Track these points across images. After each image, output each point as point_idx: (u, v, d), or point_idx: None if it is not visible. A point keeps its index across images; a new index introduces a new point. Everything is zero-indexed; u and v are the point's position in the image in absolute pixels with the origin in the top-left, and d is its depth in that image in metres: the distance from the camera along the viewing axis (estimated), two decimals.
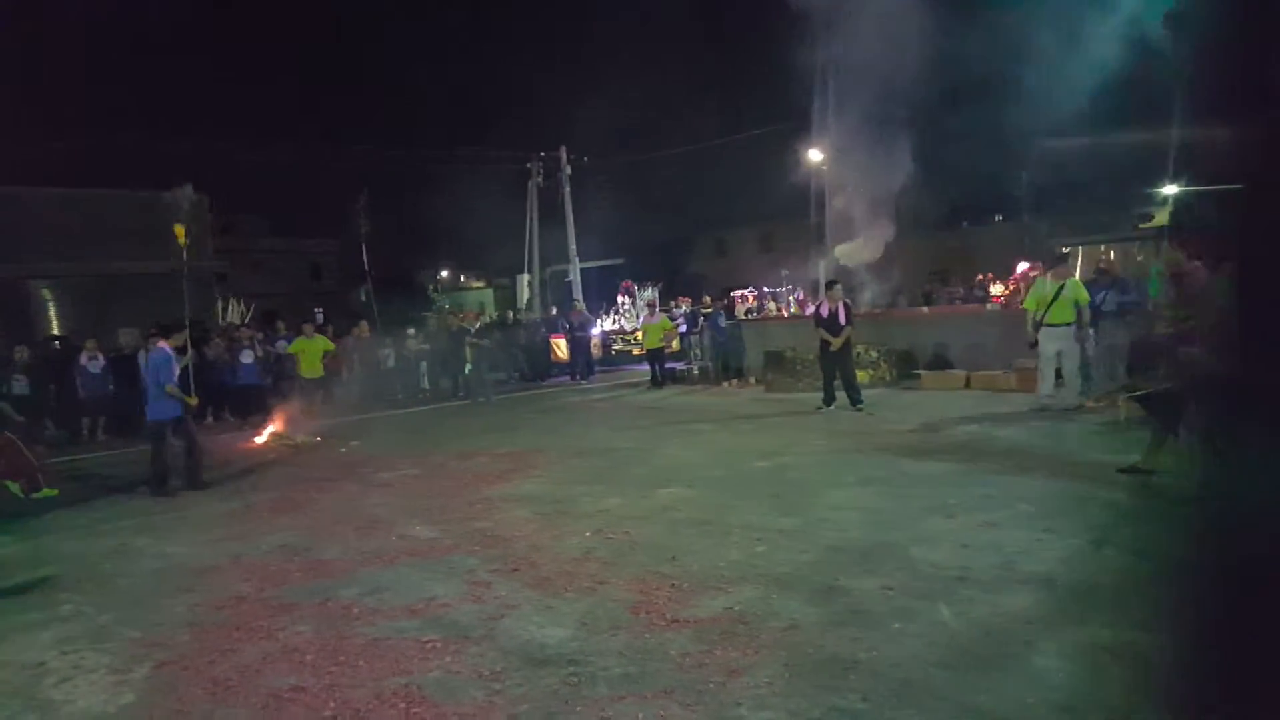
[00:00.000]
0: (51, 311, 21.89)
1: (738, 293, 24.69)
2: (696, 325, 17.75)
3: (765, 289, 24.87)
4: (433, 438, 11.43)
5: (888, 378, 13.98)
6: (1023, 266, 22.81)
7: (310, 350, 13.67)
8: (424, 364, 17.57)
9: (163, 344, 9.00)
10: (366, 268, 21.35)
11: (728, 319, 16.25)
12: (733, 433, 10.41)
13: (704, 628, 4.23)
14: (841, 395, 11.35)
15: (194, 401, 9.36)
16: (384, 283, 31.95)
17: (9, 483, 9.20)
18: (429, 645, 4.26)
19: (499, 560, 5.62)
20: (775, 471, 7.87)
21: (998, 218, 38.76)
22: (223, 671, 4.13)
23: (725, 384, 15.64)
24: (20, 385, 12.56)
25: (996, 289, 20.58)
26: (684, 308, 20.08)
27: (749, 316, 20.76)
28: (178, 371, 8.92)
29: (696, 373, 16.88)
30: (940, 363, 13.86)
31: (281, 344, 14.61)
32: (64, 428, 13.47)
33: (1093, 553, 5.05)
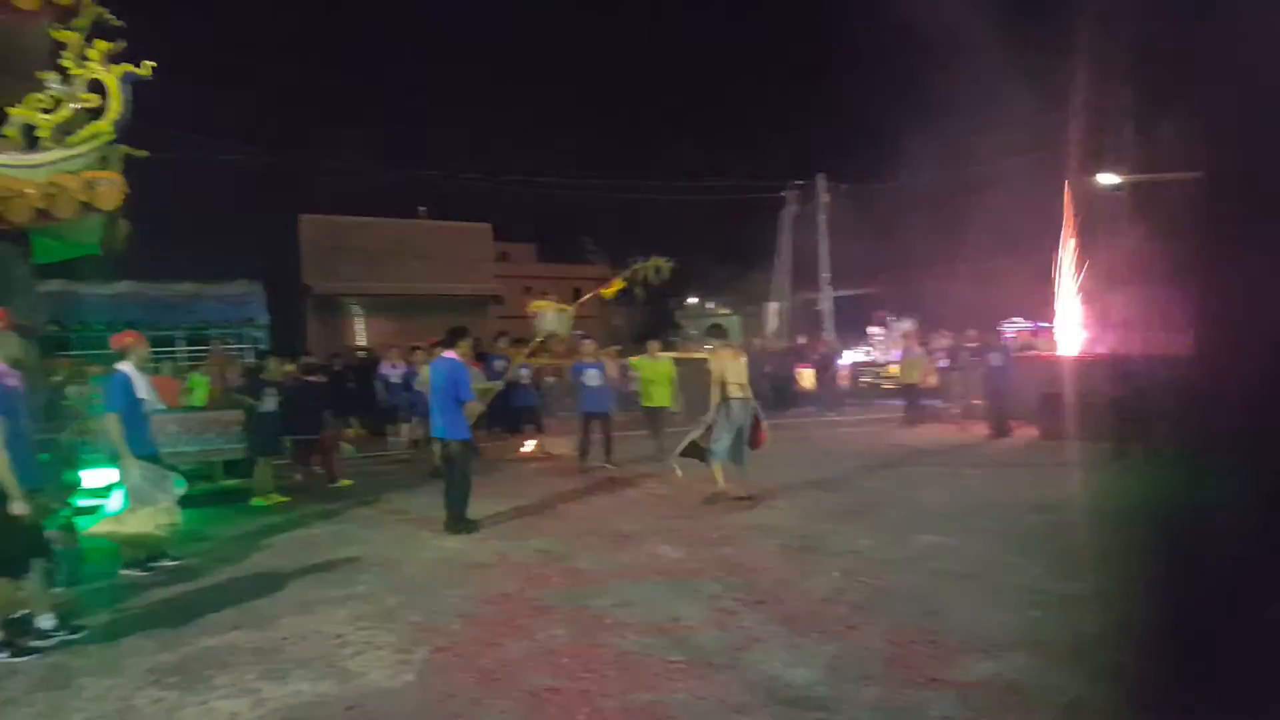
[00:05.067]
0: (360, 324, 25.10)
1: (1006, 327, 22.87)
2: (958, 360, 16.73)
3: (1038, 324, 22.93)
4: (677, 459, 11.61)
5: None
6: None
7: (657, 374, 11.74)
8: None
9: (449, 353, 8.00)
10: (608, 300, 22.14)
11: (1004, 355, 14.53)
12: (1002, 480, 9.64)
13: (968, 692, 3.95)
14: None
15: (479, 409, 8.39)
16: (634, 308, 33.27)
17: (318, 469, 10.79)
18: (675, 666, 4.34)
19: (743, 590, 5.62)
20: (1056, 528, 7.05)
21: None
22: (489, 664, 4.47)
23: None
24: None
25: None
26: (945, 341, 19.03)
27: (1020, 353, 19.25)
28: (471, 386, 8.03)
29: (958, 412, 15.88)
30: None
31: (524, 371, 12.53)
32: (366, 427, 15.26)
33: None
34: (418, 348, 12.73)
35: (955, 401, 16.42)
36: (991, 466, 10.63)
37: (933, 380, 17.41)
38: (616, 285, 10.81)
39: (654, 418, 11.97)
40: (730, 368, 8.63)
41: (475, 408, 8.04)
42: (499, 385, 10.58)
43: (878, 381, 21.24)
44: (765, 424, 8.96)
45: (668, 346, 18.08)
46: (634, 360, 12.14)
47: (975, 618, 4.96)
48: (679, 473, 8.97)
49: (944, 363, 17.87)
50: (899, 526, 7.34)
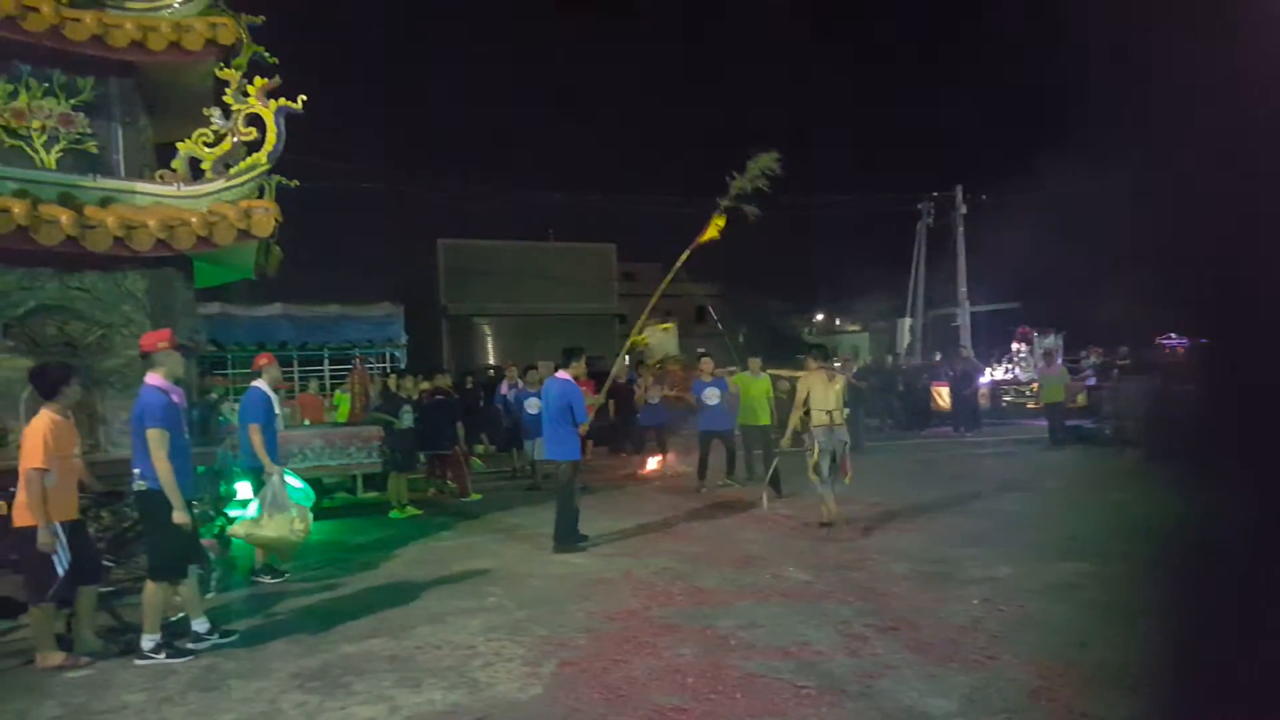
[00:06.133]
0: (489, 344, 25.95)
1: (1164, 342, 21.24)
2: (1108, 378, 15.70)
3: (1196, 340, 21.18)
4: (804, 480, 11.31)
5: None
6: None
7: (754, 391, 11.26)
8: None
9: (563, 374, 8.00)
10: (718, 326, 21.58)
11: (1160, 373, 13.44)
12: (1157, 505, 8.90)
13: None
14: None
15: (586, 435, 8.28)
16: (760, 325, 32.94)
17: (449, 483, 11.15)
18: (804, 691, 4.20)
19: (874, 615, 5.41)
20: (1217, 557, 6.54)
21: None
22: (614, 680, 4.46)
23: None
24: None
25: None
26: (1093, 358, 17.88)
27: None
28: (585, 405, 8.04)
29: (1109, 433, 14.83)
30: None
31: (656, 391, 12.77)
32: (495, 443, 15.68)
33: None
34: (532, 367, 12.34)
35: (1106, 422, 15.36)
36: (1145, 491, 9.86)
37: (1081, 399, 16.43)
38: (717, 223, 9.61)
39: (750, 436, 11.53)
40: (818, 393, 8.35)
41: (584, 427, 8.04)
42: (600, 400, 10.55)
43: (1021, 400, 20.10)
44: (850, 460, 8.54)
45: (797, 365, 17.47)
46: (735, 376, 11.76)
47: (1129, 650, 4.59)
48: (765, 506, 9.31)
49: (1091, 380, 16.84)
50: (1042, 552, 6.93)
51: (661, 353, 12.20)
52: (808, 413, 8.50)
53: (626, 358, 12.14)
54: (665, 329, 11.92)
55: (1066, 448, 14.32)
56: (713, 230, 9.53)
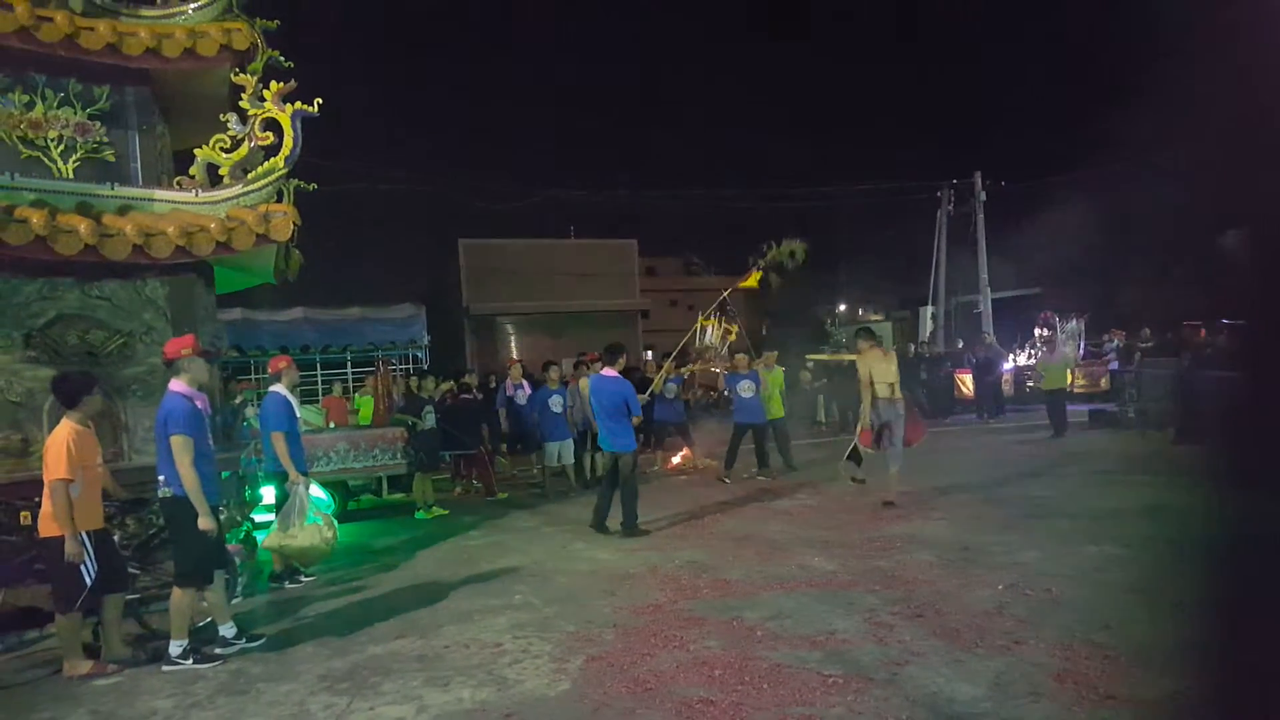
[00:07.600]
0: (513, 342, 26.01)
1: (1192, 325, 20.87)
2: (1131, 361, 15.48)
3: (1222, 322, 20.76)
4: (828, 470, 11.28)
5: None
6: None
7: (770, 383, 11.62)
8: (820, 397, 17.59)
9: (609, 371, 8.36)
10: (733, 317, 21.29)
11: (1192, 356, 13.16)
12: (1182, 489, 8.83)
13: (1147, 710, 3.66)
14: None
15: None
16: (782, 317, 32.78)
17: (475, 483, 11.18)
18: (831, 680, 4.20)
19: (901, 602, 5.40)
20: (1242, 541, 6.49)
21: None
22: (642, 674, 4.47)
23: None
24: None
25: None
26: (1115, 341, 17.66)
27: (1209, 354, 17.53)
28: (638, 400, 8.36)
29: (1132, 416, 14.65)
30: None
31: (672, 385, 12.26)
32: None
33: None
34: (553, 363, 11.93)
35: (1129, 405, 15.15)
36: (1171, 474, 9.75)
37: (1104, 383, 16.24)
38: (754, 276, 11.11)
39: (770, 429, 11.62)
40: (877, 369, 8.96)
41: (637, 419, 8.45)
42: (648, 397, 10.69)
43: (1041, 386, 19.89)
44: (924, 422, 9.16)
45: (834, 350, 17.71)
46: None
47: (1152, 632, 4.57)
48: (851, 478, 9.17)
49: (1114, 364, 16.64)
50: (1067, 537, 6.88)
51: (707, 344, 12.60)
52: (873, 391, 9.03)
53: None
54: (729, 330, 12.40)
55: (1065, 435, 13.85)
56: (751, 281, 11.20)
